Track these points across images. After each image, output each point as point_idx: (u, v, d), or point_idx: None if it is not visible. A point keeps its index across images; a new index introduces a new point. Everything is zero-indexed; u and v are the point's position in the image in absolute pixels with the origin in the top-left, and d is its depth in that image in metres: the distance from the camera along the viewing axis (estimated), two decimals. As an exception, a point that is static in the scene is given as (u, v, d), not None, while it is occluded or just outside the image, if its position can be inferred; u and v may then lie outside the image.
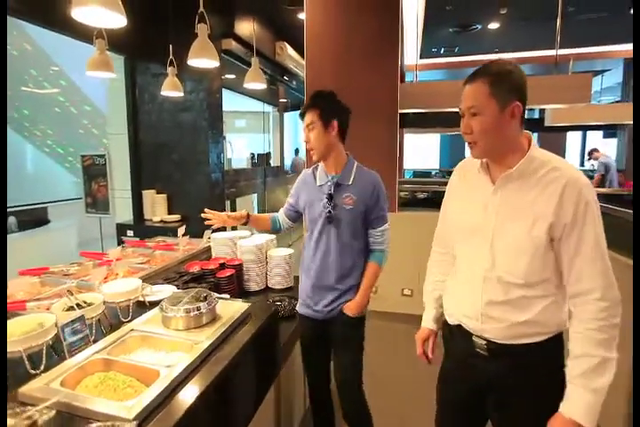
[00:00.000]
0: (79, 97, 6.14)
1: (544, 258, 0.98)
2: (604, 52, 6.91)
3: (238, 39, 4.02)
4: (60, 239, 5.47)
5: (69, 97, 6.17)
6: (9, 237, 4.83)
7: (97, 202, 4.19)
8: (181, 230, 2.52)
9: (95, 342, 1.21)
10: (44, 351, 1.12)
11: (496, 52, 6.29)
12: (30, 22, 2.89)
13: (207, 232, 2.49)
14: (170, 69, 2.46)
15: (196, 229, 2.60)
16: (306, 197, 1.69)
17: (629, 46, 6.90)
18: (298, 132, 11.86)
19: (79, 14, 1.20)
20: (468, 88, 1.00)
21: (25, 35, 5.49)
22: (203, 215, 1.70)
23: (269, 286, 2.18)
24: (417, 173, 9.53)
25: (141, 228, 3.82)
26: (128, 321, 1.42)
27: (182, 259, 2.23)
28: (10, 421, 0.82)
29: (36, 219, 5.40)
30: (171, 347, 1.25)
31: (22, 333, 1.11)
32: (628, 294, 1.00)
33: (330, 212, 1.56)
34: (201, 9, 1.64)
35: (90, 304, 1.31)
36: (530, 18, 5.05)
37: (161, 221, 3.82)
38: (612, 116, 5.02)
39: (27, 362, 1.07)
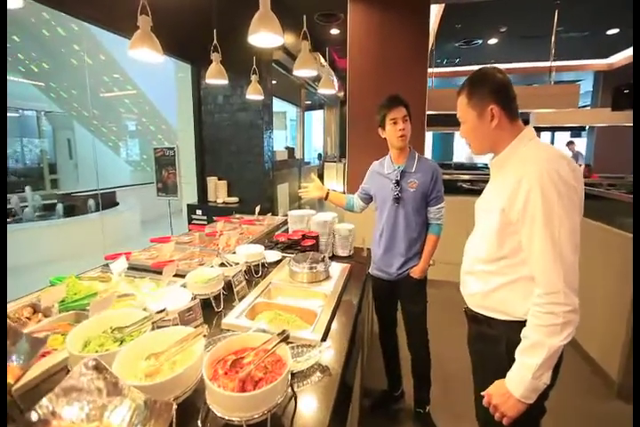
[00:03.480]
0: (141, 99, 6.09)
1: (500, 238, 0.90)
2: (579, 65, 6.86)
3: (286, 50, 3.99)
4: (130, 217, 5.54)
5: (133, 99, 6.12)
6: (90, 216, 4.91)
7: (167, 187, 4.24)
8: (258, 209, 2.61)
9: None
10: (222, 296, 1.23)
11: (492, 63, 6.24)
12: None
13: (281, 210, 2.58)
14: (254, 77, 2.50)
15: (252, 208, 2.70)
16: (376, 183, 1.78)
17: (600, 61, 6.85)
18: (312, 130, 11.75)
19: (254, 39, 1.26)
20: (458, 100, 0.99)
21: (100, 46, 5.39)
22: (308, 185, 1.95)
23: (335, 253, 2.29)
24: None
25: (207, 208, 3.90)
26: (259, 277, 1.53)
27: (267, 231, 2.32)
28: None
29: (108, 202, 5.47)
30: (304, 295, 1.37)
31: (202, 282, 1.21)
32: (622, 263, 0.82)
33: (398, 194, 1.65)
34: (304, 28, 1.67)
35: (236, 263, 1.41)
36: (524, 36, 5.02)
37: (223, 203, 3.90)
38: (587, 119, 5.05)
39: (213, 303, 1.18)
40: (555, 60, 4.86)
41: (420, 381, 1.80)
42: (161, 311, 0.87)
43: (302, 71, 1.79)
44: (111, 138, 6.48)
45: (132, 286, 1.25)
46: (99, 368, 0.61)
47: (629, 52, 6.22)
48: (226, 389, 0.67)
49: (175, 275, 1.35)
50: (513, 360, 0.87)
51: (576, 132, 8.48)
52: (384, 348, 1.96)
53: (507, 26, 4.75)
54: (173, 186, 4.22)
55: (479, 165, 8.59)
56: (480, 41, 5.27)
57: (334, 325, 1.13)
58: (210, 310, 1.19)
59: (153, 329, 0.85)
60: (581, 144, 7.52)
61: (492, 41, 5.29)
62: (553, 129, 9.71)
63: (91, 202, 5.16)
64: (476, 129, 0.95)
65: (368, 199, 1.88)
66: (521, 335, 0.85)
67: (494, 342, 0.95)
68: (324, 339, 1.01)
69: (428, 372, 1.80)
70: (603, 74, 7.03)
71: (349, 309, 1.25)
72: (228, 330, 1.07)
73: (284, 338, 0.78)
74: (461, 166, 8.18)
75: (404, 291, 1.75)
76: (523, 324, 0.87)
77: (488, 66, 0.97)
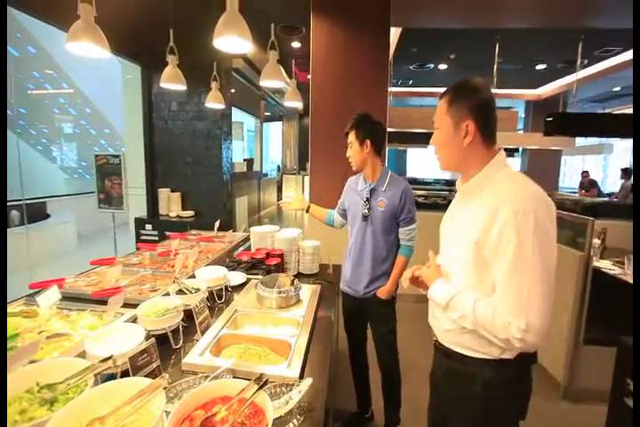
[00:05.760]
0: (80, 99, 5.49)
1: (472, 270, 0.85)
2: (514, 94, 7.75)
3: (246, 59, 3.92)
4: (64, 232, 4.89)
5: (70, 99, 5.49)
6: (13, 230, 4.24)
7: (111, 198, 3.83)
8: (217, 224, 2.43)
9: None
10: (180, 329, 1.08)
11: (439, 87, 6.79)
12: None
13: (242, 226, 2.44)
14: (214, 84, 2.37)
15: (209, 222, 2.53)
16: (349, 199, 1.76)
17: (531, 91, 7.80)
18: (270, 141, 11.65)
19: (220, 43, 1.15)
20: (438, 104, 0.93)
21: (29, 37, 4.77)
22: (287, 199, 1.87)
23: (300, 271, 2.20)
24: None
25: (158, 222, 3.59)
26: (223, 302, 1.39)
27: (229, 249, 2.17)
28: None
29: (37, 213, 4.78)
30: (275, 322, 1.26)
31: (157, 315, 1.06)
32: (562, 273, 0.87)
33: (366, 212, 1.64)
34: (272, 38, 1.62)
35: (197, 289, 1.27)
36: (469, 66, 5.55)
37: (177, 217, 3.62)
38: (524, 142, 5.65)
39: (171, 339, 1.03)
40: (495, 89, 5.45)
41: (390, 400, 1.77)
42: (106, 360, 0.72)
43: (269, 82, 1.72)
44: (41, 141, 5.75)
45: (66, 323, 1.05)
46: (20, 453, 0.46)
47: (554, 85, 7.18)
48: (194, 458, 0.55)
49: (123, 305, 1.17)
50: (489, 400, 0.85)
51: (510, 153, 9.52)
52: (354, 367, 1.90)
53: (455, 54, 5.21)
54: (118, 197, 3.83)
55: (429, 181, 9.23)
56: (432, 65, 5.70)
57: (311, 356, 1.04)
58: (166, 346, 1.04)
59: (96, 383, 0.69)
60: (516, 164, 8.47)
61: (442, 66, 5.76)
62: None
63: (14, 213, 4.48)
64: (448, 140, 0.89)
65: (344, 214, 1.86)
66: (456, 313, 0.85)
67: (469, 380, 0.88)
68: (301, 375, 0.91)
69: (399, 391, 1.78)
70: (532, 103, 8.04)
71: (326, 336, 1.17)
72: (190, 372, 0.93)
73: (263, 384, 0.68)
74: (414, 181, 8.72)
75: (372, 310, 1.72)
76: (500, 362, 0.84)
77: (478, 78, 0.90)
